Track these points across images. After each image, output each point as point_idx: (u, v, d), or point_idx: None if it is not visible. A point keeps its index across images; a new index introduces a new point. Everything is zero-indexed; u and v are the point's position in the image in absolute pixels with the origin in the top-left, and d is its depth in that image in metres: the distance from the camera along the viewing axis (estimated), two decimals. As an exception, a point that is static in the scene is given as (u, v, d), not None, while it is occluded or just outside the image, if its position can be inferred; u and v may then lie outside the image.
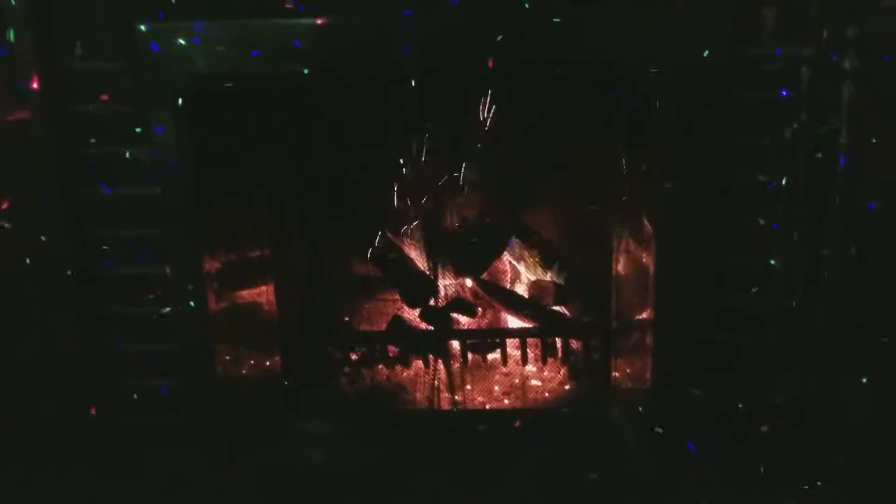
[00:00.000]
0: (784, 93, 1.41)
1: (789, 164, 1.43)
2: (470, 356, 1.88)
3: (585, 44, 1.39)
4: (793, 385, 1.53)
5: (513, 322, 1.95)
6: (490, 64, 1.37)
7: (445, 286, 1.91)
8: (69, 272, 1.53)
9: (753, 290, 1.51)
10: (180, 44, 1.40)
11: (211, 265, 1.54)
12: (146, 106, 1.44)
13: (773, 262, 1.49)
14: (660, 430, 1.57)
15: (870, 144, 1.41)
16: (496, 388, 1.87)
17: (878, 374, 1.53)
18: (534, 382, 1.89)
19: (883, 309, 1.52)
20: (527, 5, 1.37)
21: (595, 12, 1.37)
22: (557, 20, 1.35)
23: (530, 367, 1.91)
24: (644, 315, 1.60)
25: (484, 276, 1.97)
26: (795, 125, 1.40)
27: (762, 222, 1.47)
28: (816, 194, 1.43)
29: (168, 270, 1.52)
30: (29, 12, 1.41)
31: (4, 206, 1.53)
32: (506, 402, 1.84)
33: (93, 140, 1.49)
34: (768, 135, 1.43)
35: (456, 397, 1.82)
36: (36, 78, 1.45)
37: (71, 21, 1.44)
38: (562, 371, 1.89)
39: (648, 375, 1.59)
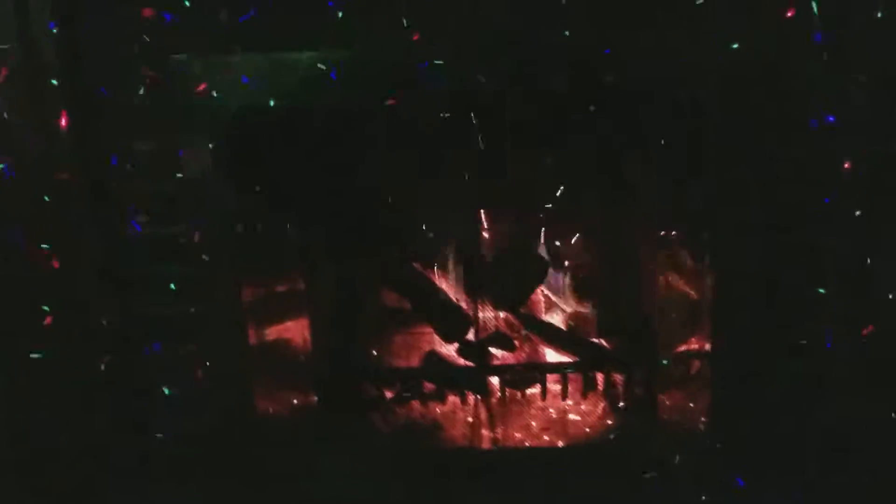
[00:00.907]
0: (831, 119, 1.39)
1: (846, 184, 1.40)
2: (508, 392, 1.83)
3: (629, 66, 1.37)
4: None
5: (551, 356, 1.90)
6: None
7: (482, 319, 1.86)
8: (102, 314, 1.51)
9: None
10: (214, 78, 1.39)
11: (246, 300, 1.51)
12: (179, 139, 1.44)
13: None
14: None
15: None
16: (534, 423, 1.82)
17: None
18: (573, 417, 1.84)
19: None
20: (567, 33, 1.36)
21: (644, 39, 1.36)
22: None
23: (570, 402, 1.85)
24: (691, 347, 1.56)
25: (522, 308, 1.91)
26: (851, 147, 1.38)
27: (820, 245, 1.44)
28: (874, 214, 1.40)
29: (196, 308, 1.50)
30: (60, 45, 1.41)
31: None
32: (546, 438, 1.78)
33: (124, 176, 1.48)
34: (822, 157, 1.40)
35: (496, 435, 1.77)
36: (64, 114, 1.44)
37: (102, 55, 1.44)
38: (602, 406, 1.84)
39: (695, 408, 1.55)
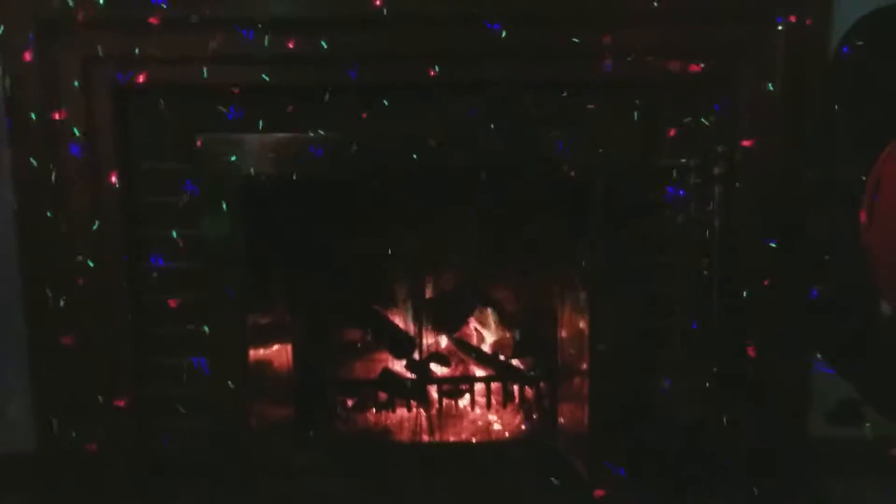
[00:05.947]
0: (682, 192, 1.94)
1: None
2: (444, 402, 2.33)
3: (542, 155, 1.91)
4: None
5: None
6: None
7: (425, 343, 2.37)
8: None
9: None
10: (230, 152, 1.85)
11: (247, 328, 1.96)
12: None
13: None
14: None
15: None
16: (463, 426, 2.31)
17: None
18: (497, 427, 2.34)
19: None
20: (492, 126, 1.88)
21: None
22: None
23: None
24: (582, 368, 2.06)
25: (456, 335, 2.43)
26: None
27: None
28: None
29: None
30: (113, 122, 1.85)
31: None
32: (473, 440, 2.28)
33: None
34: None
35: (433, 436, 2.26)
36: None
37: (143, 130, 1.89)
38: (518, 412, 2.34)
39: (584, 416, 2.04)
